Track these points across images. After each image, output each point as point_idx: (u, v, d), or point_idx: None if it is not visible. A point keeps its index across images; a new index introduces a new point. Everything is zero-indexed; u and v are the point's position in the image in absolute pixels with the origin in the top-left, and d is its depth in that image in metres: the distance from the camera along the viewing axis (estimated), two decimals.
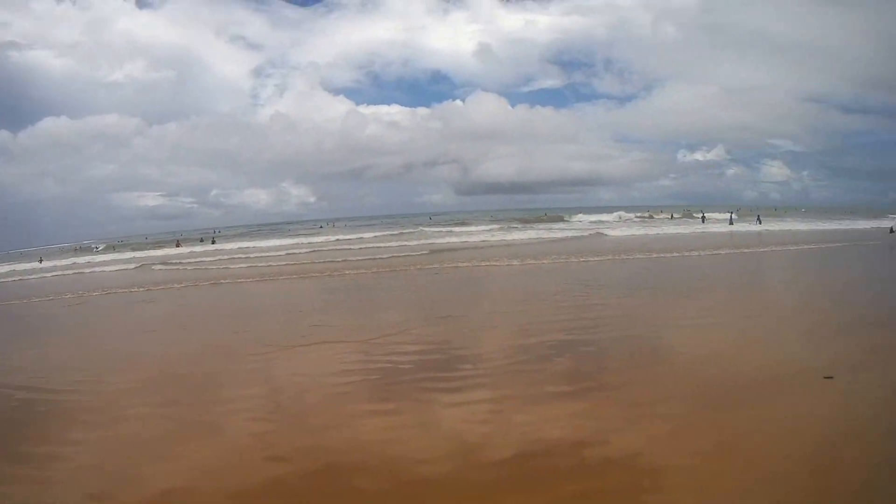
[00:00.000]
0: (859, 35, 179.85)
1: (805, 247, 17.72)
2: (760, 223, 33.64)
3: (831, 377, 4.26)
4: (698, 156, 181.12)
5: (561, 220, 48.43)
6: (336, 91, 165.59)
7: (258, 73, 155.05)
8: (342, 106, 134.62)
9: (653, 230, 30.27)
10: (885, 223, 30.64)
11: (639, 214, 50.56)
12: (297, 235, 43.28)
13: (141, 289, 15.53)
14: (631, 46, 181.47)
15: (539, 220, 48.32)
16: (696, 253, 16.40)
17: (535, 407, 4.14)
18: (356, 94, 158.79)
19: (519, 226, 41.64)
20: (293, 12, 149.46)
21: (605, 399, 4.26)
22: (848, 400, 3.93)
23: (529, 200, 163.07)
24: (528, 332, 6.86)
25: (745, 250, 17.03)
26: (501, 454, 3.36)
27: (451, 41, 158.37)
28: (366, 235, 36.51)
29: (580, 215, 51.02)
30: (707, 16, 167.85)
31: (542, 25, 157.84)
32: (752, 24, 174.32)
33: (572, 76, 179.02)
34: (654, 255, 16.08)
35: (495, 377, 5.06)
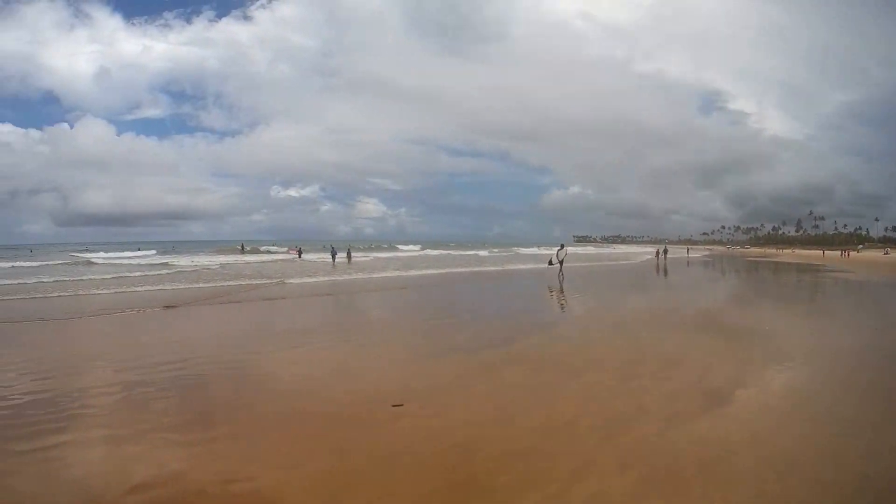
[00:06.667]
0: (477, 88, 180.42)
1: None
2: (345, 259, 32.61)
3: (401, 405, 4.62)
4: (292, 192, 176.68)
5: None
6: None
7: None
8: None
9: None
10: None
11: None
12: None
13: None
14: (243, 82, 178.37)
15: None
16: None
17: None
18: None
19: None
20: None
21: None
22: (419, 424, 4.22)
23: (122, 233, 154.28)
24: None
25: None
26: None
27: (70, 60, 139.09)
28: None
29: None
30: (325, 59, 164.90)
31: (158, 53, 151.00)
32: (370, 69, 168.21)
33: (181, 107, 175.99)
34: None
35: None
